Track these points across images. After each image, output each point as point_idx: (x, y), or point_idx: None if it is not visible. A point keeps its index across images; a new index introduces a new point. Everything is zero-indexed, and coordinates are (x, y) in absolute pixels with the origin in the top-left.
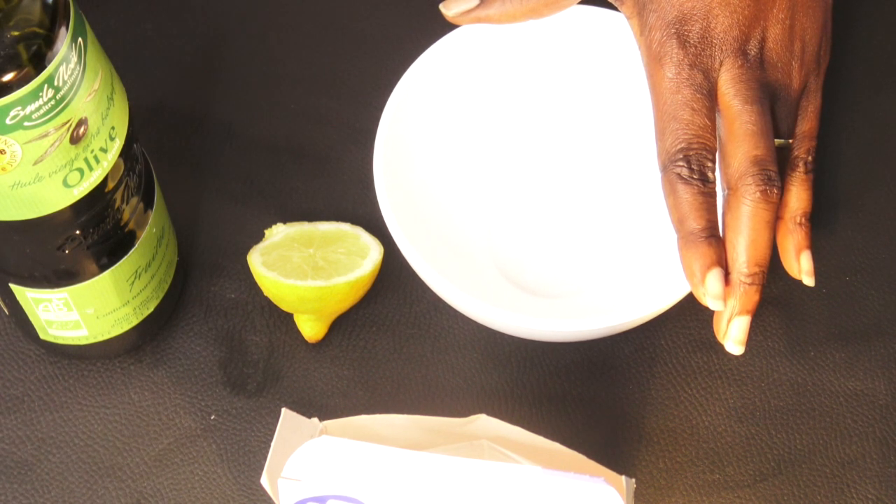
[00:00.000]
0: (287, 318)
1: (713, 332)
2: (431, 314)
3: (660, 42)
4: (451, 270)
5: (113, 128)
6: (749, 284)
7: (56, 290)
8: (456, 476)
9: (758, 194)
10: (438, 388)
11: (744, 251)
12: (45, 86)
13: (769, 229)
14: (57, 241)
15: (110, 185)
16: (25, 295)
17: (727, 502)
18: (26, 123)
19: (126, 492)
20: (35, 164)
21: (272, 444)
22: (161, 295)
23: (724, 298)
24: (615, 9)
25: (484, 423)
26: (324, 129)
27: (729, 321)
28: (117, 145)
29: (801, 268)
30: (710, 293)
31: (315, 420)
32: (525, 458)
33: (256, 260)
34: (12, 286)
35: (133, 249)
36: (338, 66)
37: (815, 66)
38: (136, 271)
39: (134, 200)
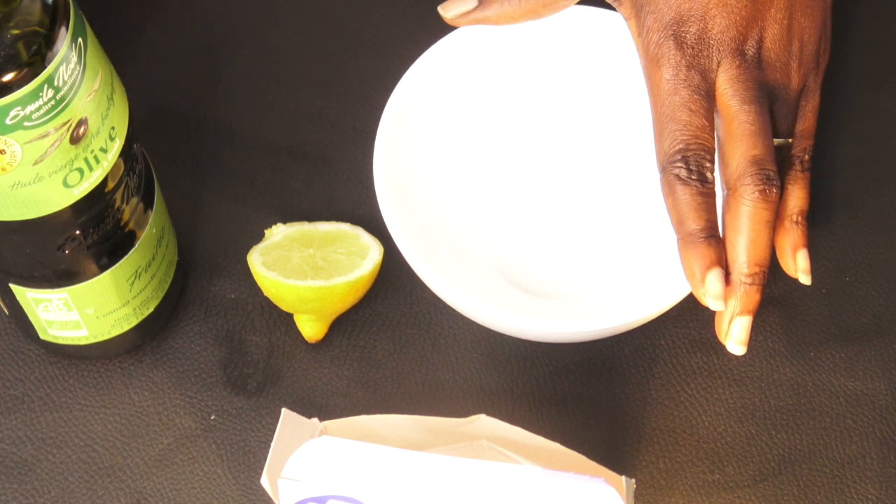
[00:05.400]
0: (287, 318)
1: (713, 332)
2: (431, 314)
3: (657, 43)
4: (450, 271)
5: (113, 128)
6: (749, 284)
7: (56, 290)
8: (456, 476)
9: (756, 194)
10: (438, 388)
11: (744, 251)
12: (45, 86)
13: (769, 229)
14: (57, 241)
15: (110, 185)
16: (25, 295)
17: (727, 502)
18: (26, 123)
19: (126, 492)
20: (35, 164)
21: (272, 444)
22: (161, 295)
23: (725, 298)
24: (613, 9)
25: (484, 424)
26: (324, 129)
27: (730, 321)
28: (117, 145)
29: (798, 266)
30: (711, 293)
31: (315, 420)
32: (525, 459)
33: (256, 260)
34: (12, 286)
35: (133, 249)
36: (338, 66)
37: (814, 65)
38: (136, 271)
39: (134, 200)
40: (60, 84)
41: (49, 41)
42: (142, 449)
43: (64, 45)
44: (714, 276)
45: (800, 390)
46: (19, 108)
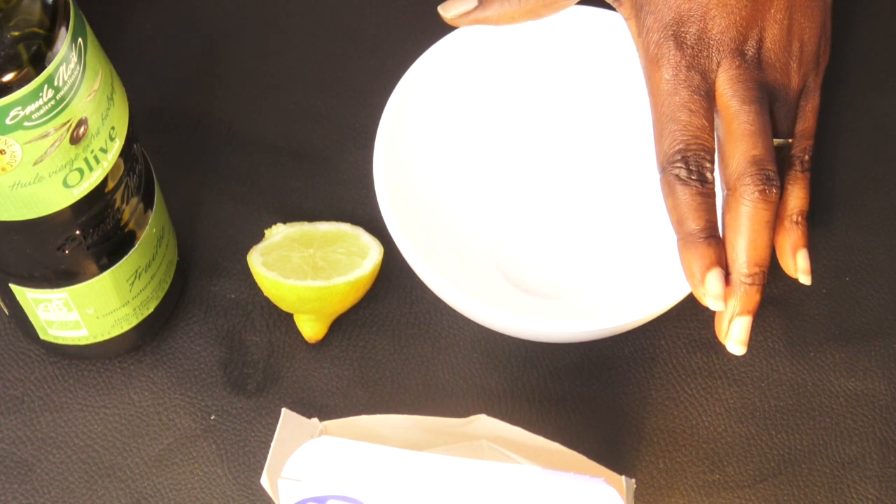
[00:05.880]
0: (287, 318)
1: (713, 332)
2: (431, 314)
3: (657, 44)
4: (450, 271)
5: (113, 128)
6: (749, 284)
7: (56, 290)
8: (456, 476)
9: (756, 194)
10: (438, 388)
11: (743, 251)
12: (45, 86)
13: (769, 229)
14: (57, 242)
15: (110, 185)
16: (25, 295)
17: (727, 502)
18: (26, 123)
19: (126, 492)
20: (35, 164)
21: (272, 444)
22: (161, 295)
23: (725, 299)
24: (613, 9)
25: (484, 424)
26: (324, 129)
27: (730, 322)
28: (117, 145)
29: (798, 266)
30: (710, 294)
31: (315, 420)
32: (525, 459)
33: (256, 260)
34: (12, 286)
35: (133, 249)
36: (338, 66)
37: (814, 65)
38: (136, 271)
39: (134, 200)
40: (60, 84)
41: (49, 41)
42: (142, 449)
43: (64, 45)
44: (714, 277)
45: (800, 390)
46: (19, 108)
